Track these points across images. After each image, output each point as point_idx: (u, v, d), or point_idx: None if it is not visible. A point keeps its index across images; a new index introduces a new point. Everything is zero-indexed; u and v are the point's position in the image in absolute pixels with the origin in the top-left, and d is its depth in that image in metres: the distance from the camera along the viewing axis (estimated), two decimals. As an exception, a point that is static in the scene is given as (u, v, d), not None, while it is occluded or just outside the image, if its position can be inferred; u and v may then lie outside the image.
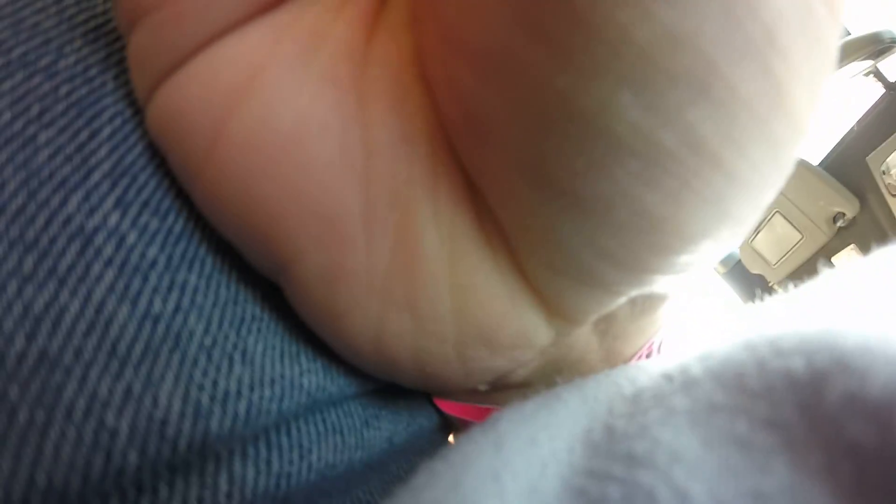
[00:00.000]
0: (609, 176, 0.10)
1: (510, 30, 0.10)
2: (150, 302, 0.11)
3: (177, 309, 0.12)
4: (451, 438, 0.20)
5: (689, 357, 0.11)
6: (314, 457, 0.13)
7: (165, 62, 0.12)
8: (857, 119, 0.88)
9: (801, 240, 0.92)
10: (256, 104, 0.11)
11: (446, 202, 0.12)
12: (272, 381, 0.13)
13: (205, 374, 0.12)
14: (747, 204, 0.11)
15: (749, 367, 0.10)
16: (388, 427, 0.16)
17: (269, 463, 0.12)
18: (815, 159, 0.91)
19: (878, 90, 0.87)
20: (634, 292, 0.13)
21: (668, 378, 0.11)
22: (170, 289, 0.12)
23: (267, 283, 0.14)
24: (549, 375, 0.15)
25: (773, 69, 0.09)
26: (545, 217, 0.11)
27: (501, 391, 0.16)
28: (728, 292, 1.07)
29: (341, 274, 0.12)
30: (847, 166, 0.88)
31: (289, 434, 0.13)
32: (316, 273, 0.12)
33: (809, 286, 0.13)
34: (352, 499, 0.14)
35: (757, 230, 0.97)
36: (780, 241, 0.95)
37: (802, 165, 0.87)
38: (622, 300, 0.13)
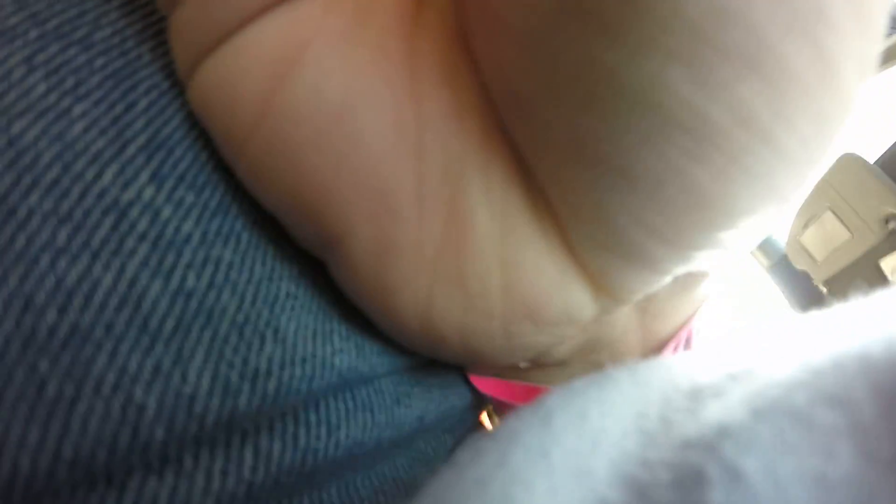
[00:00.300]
0: (659, 152, 0.10)
1: (556, 6, 0.09)
2: (184, 277, 0.12)
3: (210, 285, 0.12)
4: (483, 417, 0.20)
5: (754, 357, 0.11)
6: (342, 434, 0.13)
7: (211, 36, 0.12)
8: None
9: (849, 239, 0.91)
10: (306, 75, 0.11)
11: (498, 178, 0.12)
12: (303, 360, 0.13)
13: (235, 351, 0.12)
14: (794, 180, 0.11)
15: (818, 348, 0.10)
16: (420, 405, 0.16)
17: (295, 438, 0.12)
18: (872, 157, 0.89)
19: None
20: (680, 269, 0.13)
21: (733, 378, 0.11)
22: (204, 264, 0.12)
23: (303, 260, 0.14)
24: (588, 353, 0.16)
25: (822, 42, 0.09)
26: (594, 194, 0.11)
27: (541, 368, 0.16)
28: (771, 287, 1.05)
29: (393, 248, 0.12)
30: (904, 166, 0.86)
31: (317, 410, 0.13)
32: (367, 247, 0.12)
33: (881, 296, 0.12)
34: (377, 474, 0.15)
35: (806, 225, 0.95)
36: (828, 239, 0.93)
37: (858, 163, 0.85)
38: (667, 279, 0.13)
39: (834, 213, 0.91)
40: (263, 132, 0.12)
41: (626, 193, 0.11)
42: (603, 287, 0.13)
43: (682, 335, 0.17)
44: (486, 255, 0.12)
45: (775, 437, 0.08)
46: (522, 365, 0.16)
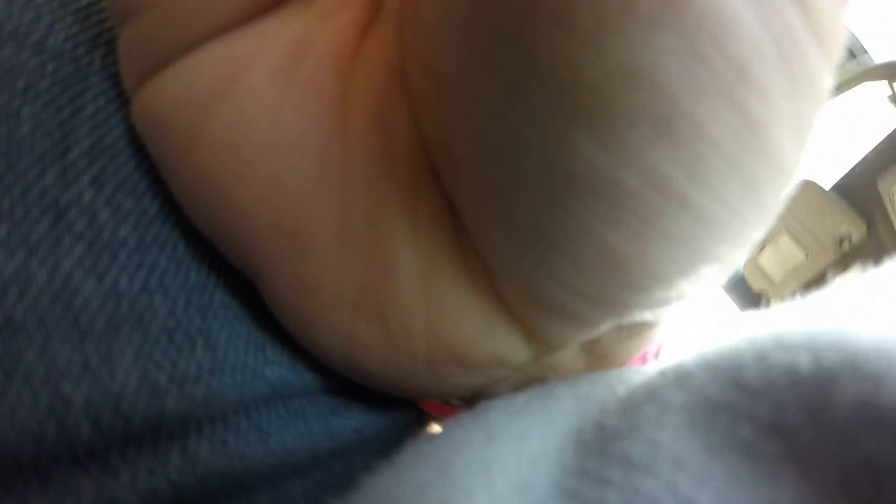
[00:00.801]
0: (570, 213, 0.10)
1: (463, 56, 0.09)
2: (117, 279, 0.12)
3: (143, 288, 0.12)
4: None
5: (685, 354, 0.11)
6: (273, 440, 0.13)
7: (153, 60, 0.12)
8: (874, 145, 0.87)
9: (805, 260, 0.92)
10: (234, 109, 0.11)
11: (424, 221, 0.12)
12: (234, 368, 0.13)
13: (165, 354, 0.12)
14: (726, 244, 0.10)
15: (748, 359, 0.10)
16: (358, 416, 0.16)
17: (224, 442, 0.12)
18: (827, 181, 0.91)
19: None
20: (613, 322, 0.12)
21: (662, 373, 0.11)
22: (138, 268, 0.12)
23: (238, 273, 0.13)
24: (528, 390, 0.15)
25: (746, 107, 0.09)
26: (514, 249, 0.11)
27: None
28: (729, 307, 1.07)
29: (312, 285, 0.12)
30: (857, 189, 0.88)
31: (247, 416, 0.13)
32: (285, 282, 0.12)
33: (818, 294, 0.12)
34: (311, 480, 0.14)
35: (762, 247, 0.97)
36: (784, 260, 0.95)
37: (813, 187, 0.87)
38: (602, 328, 0.12)
39: (790, 234, 0.93)
40: (192, 162, 0.12)
41: (543, 252, 0.10)
42: (534, 334, 0.12)
43: (636, 362, 0.17)
44: (409, 297, 0.12)
45: (728, 473, 0.08)
46: (455, 402, 0.15)
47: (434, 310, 0.12)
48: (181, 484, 0.12)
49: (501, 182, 0.10)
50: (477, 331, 0.12)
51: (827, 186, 0.90)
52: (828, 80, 0.09)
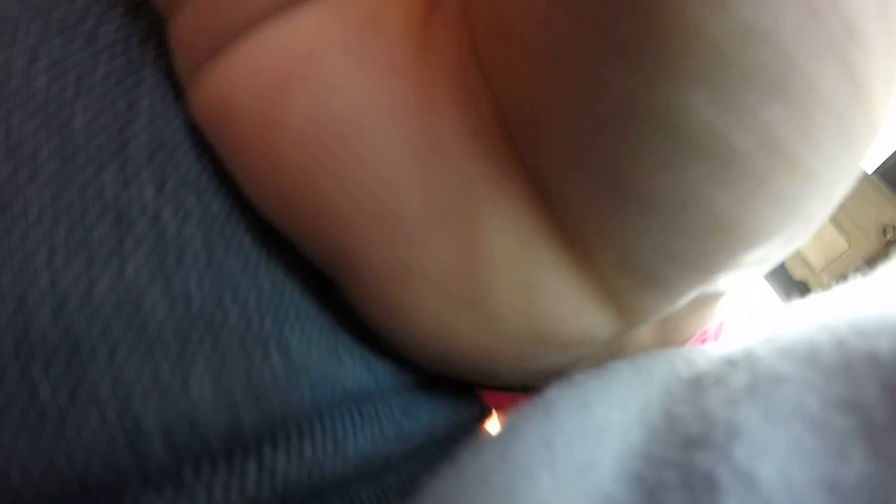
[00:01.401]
0: (680, 177, 0.10)
1: (572, 25, 0.09)
2: (185, 282, 0.11)
3: (212, 291, 0.11)
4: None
5: (753, 340, 0.11)
6: (349, 447, 0.12)
7: (210, 46, 0.11)
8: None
9: (847, 249, 0.91)
10: (312, 91, 0.11)
11: (513, 199, 0.11)
12: (308, 374, 0.12)
13: (237, 360, 0.11)
14: (819, 201, 0.10)
15: (825, 345, 0.09)
16: (429, 418, 0.15)
17: (300, 452, 0.12)
18: (870, 167, 0.89)
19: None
20: (701, 291, 0.12)
21: (731, 363, 0.11)
22: (205, 269, 0.11)
23: (310, 272, 0.13)
24: None
25: (852, 63, 0.09)
26: (612, 218, 0.11)
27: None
28: (769, 295, 1.05)
29: (402, 269, 0.12)
30: (903, 176, 0.86)
31: (323, 424, 0.12)
32: (378, 270, 0.12)
33: (880, 274, 0.12)
34: (381, 484, 0.14)
35: (804, 235, 0.95)
36: (826, 248, 0.93)
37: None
38: (688, 299, 0.12)
39: (832, 221, 0.92)
40: (265, 148, 0.11)
41: (645, 219, 0.10)
42: (622, 308, 0.12)
43: (697, 339, 0.17)
44: (502, 278, 0.12)
45: (790, 443, 0.08)
46: (538, 386, 0.15)
47: (525, 290, 0.12)
48: (259, 499, 0.11)
49: (606, 151, 0.10)
50: (568, 309, 0.12)
51: (869, 171, 0.88)
52: None
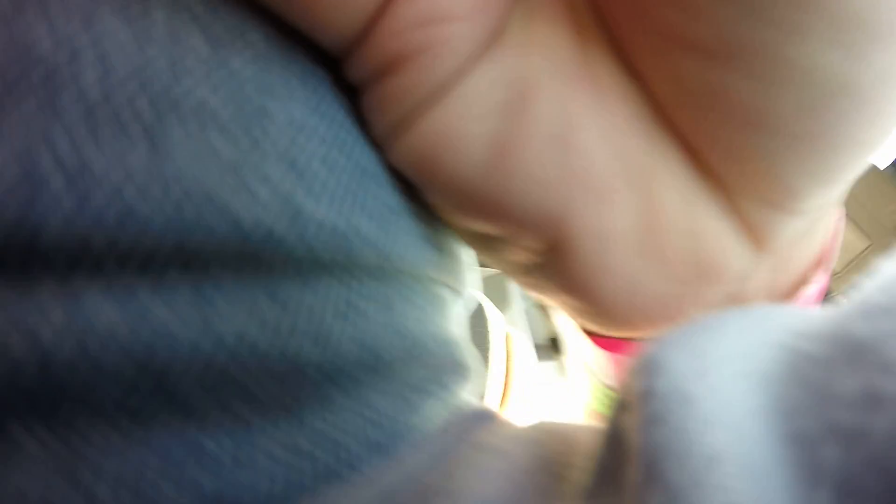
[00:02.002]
0: (825, 115, 0.12)
1: (739, 21, 0.12)
2: None
3: None
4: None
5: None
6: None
7: (428, 95, 0.14)
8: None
9: (869, 246, 0.87)
10: (531, 109, 0.14)
11: (676, 163, 0.15)
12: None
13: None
14: None
15: None
16: (373, 332, 0.16)
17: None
18: (885, 162, 0.86)
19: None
20: (820, 207, 0.15)
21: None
22: None
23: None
24: None
25: None
26: (769, 159, 0.13)
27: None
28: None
29: (611, 233, 0.15)
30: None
31: None
32: (593, 236, 0.15)
33: None
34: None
35: (821, 236, 0.92)
36: (846, 248, 0.89)
37: (871, 169, 0.81)
38: (809, 221, 0.15)
39: (852, 219, 0.88)
40: (503, 164, 0.14)
41: (800, 152, 0.13)
42: (762, 240, 0.15)
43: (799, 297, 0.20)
44: (678, 228, 0.15)
45: None
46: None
47: (697, 234, 0.15)
48: None
49: (767, 106, 0.13)
50: (727, 245, 0.15)
51: (882, 166, 0.85)
52: None
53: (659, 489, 0.09)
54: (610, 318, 0.16)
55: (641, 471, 0.09)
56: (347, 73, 0.14)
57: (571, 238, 0.15)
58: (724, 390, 0.10)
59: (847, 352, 0.10)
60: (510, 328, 0.50)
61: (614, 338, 0.21)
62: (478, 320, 0.46)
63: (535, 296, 0.19)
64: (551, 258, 0.16)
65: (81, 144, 0.10)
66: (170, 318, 0.11)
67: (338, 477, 0.14)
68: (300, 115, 0.13)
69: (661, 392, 0.10)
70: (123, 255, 0.11)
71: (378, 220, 0.14)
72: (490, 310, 0.47)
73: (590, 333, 0.21)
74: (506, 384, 0.46)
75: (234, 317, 0.12)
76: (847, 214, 0.89)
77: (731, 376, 0.11)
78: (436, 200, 0.16)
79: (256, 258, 0.12)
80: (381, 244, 0.14)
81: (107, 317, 0.10)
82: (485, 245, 0.17)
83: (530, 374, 0.49)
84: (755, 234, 0.15)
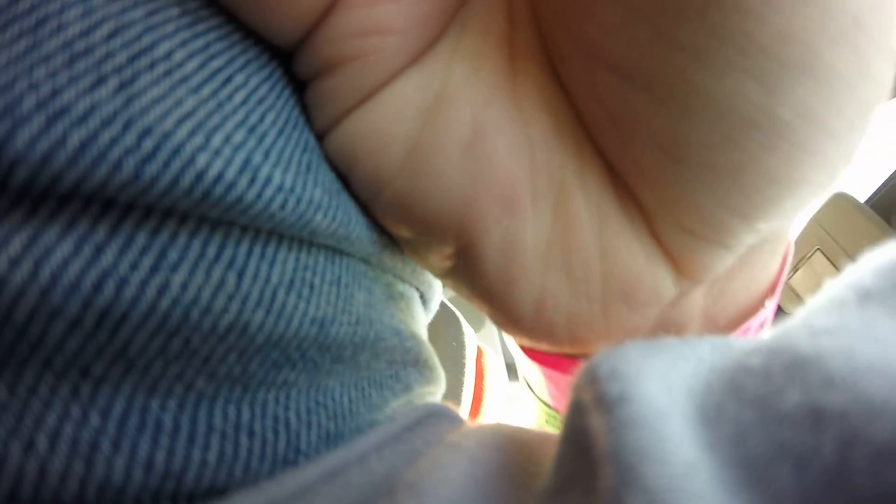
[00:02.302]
0: (740, 146, 0.12)
1: (654, 44, 0.12)
2: None
3: None
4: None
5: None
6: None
7: (357, 97, 0.14)
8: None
9: (841, 280, 0.88)
10: (446, 113, 0.14)
11: (592, 181, 0.15)
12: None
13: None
14: (842, 155, 0.13)
15: None
16: (322, 308, 0.16)
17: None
18: (863, 196, 0.87)
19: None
20: (748, 242, 0.15)
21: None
22: None
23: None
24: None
25: (860, 47, 0.12)
26: (686, 186, 0.13)
27: None
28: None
29: (516, 243, 0.15)
30: (894, 205, 0.84)
31: None
32: (497, 245, 0.15)
33: None
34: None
35: (795, 267, 0.93)
36: (818, 281, 0.91)
37: (848, 202, 0.83)
38: (735, 255, 0.15)
39: (823, 253, 0.89)
40: (412, 164, 0.15)
41: (713, 183, 0.13)
42: (683, 268, 0.15)
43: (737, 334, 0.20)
44: (588, 245, 0.15)
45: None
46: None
47: (608, 253, 0.15)
48: None
49: (681, 135, 0.13)
50: (641, 268, 0.15)
51: (862, 199, 0.86)
52: None
53: (638, 493, 0.09)
54: (522, 329, 0.17)
55: (617, 474, 0.09)
56: (294, 68, 0.15)
57: (477, 245, 0.15)
58: (679, 406, 0.10)
59: (787, 366, 0.10)
60: (483, 345, 0.50)
61: (548, 354, 0.21)
62: (454, 333, 0.47)
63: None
64: (462, 264, 0.16)
65: (63, 88, 0.10)
66: (121, 260, 0.11)
67: (286, 462, 0.14)
68: (260, 88, 0.14)
69: (635, 398, 0.10)
70: (88, 196, 0.11)
71: (330, 194, 0.15)
72: (465, 325, 0.47)
73: (525, 349, 0.22)
74: (477, 399, 0.46)
75: (185, 271, 0.12)
76: (820, 250, 0.90)
77: (683, 392, 0.11)
78: (358, 195, 0.16)
79: (214, 218, 0.12)
80: (333, 214, 0.14)
81: (62, 251, 0.11)
82: (406, 245, 0.18)
83: (501, 391, 0.49)
84: (676, 261, 0.15)
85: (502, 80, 0.15)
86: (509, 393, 0.51)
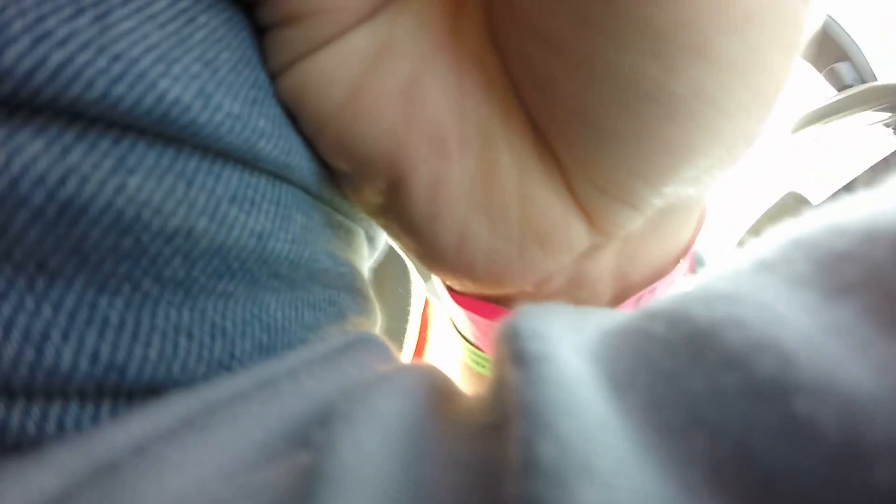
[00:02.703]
0: (640, 116, 0.14)
1: (571, 19, 0.14)
2: None
3: None
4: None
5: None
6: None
7: (309, 46, 0.16)
8: (868, 167, 0.86)
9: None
10: (388, 62, 0.16)
11: (515, 133, 0.16)
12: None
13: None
14: (736, 134, 0.15)
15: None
16: (264, 225, 0.17)
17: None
18: (817, 201, 0.90)
19: (894, 143, 0.85)
20: (655, 204, 0.17)
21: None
22: None
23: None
24: (573, 290, 0.20)
25: (751, 39, 0.13)
26: (594, 148, 0.15)
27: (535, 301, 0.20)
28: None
29: (442, 181, 0.17)
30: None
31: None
32: (424, 182, 0.17)
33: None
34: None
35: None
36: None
37: (801, 202, 0.85)
38: (644, 215, 0.17)
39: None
40: (353, 105, 0.16)
41: (618, 146, 0.15)
42: (595, 222, 0.17)
43: (644, 292, 0.21)
44: (508, 190, 0.17)
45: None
46: (528, 289, 0.20)
47: (526, 200, 0.17)
48: None
49: (592, 102, 0.14)
50: (556, 217, 0.17)
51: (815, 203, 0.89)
52: (807, 21, 0.14)
53: (550, 440, 0.09)
54: (445, 265, 0.19)
55: (529, 425, 0.09)
56: (254, 16, 0.16)
57: (405, 180, 0.17)
58: (586, 370, 0.11)
59: (688, 340, 0.10)
60: (430, 296, 0.51)
61: (472, 298, 0.22)
62: (401, 281, 0.48)
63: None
64: (392, 199, 0.18)
65: (46, 16, 0.12)
66: (85, 160, 0.12)
67: (222, 366, 0.15)
68: (220, 28, 0.15)
69: (553, 358, 0.10)
70: (60, 109, 0.12)
71: (274, 124, 0.16)
72: (414, 275, 0.49)
73: (451, 291, 0.23)
74: (420, 348, 0.48)
75: (141, 175, 0.13)
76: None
77: (589, 357, 0.11)
78: (304, 132, 0.18)
79: (169, 136, 0.14)
80: (276, 143, 0.16)
81: (33, 148, 0.12)
82: (344, 180, 0.19)
83: (443, 341, 0.50)
84: (589, 215, 0.17)
85: (444, 36, 0.16)
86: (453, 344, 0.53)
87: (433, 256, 0.19)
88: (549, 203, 0.17)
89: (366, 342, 0.18)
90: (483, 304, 0.22)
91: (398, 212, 0.18)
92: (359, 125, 0.17)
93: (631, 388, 0.10)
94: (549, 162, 0.17)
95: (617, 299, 0.21)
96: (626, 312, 0.14)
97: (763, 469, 0.08)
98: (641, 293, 0.21)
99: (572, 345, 0.11)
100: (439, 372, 0.17)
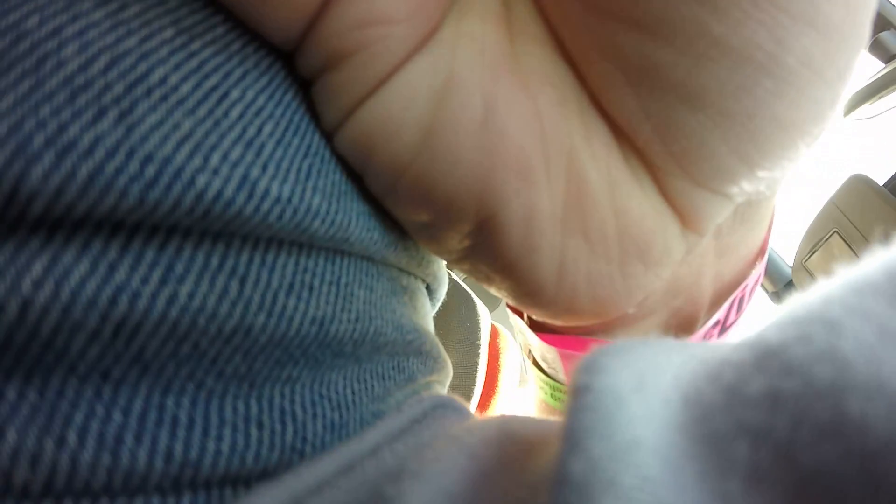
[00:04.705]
0: (752, 93, 0.14)
1: (678, 8, 0.13)
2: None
3: None
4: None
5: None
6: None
7: (366, 88, 0.15)
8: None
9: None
10: (456, 96, 0.15)
11: (598, 145, 0.16)
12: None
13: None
14: (830, 102, 0.14)
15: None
16: (322, 308, 0.16)
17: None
18: (881, 179, 0.86)
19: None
20: (747, 191, 0.16)
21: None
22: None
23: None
24: (670, 299, 0.19)
25: (851, 1, 0.13)
26: (699, 136, 0.14)
27: (632, 322, 0.20)
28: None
29: (535, 211, 0.16)
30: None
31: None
32: (516, 215, 0.16)
33: None
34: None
35: (812, 250, 0.92)
36: (835, 263, 0.90)
37: (866, 184, 0.82)
38: (734, 204, 0.16)
39: (841, 236, 0.88)
40: (428, 147, 0.15)
41: (728, 128, 0.14)
42: (688, 220, 0.16)
43: (737, 293, 0.21)
44: (601, 205, 0.16)
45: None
46: (630, 311, 0.19)
47: (621, 212, 0.16)
48: None
49: (699, 84, 0.14)
50: (653, 225, 0.16)
51: (880, 182, 0.85)
52: None
53: (581, 459, 0.09)
54: (543, 299, 0.17)
55: (565, 446, 0.10)
56: (298, 67, 0.15)
57: (497, 216, 0.16)
58: (650, 395, 0.11)
59: (757, 355, 0.10)
60: (498, 324, 0.50)
61: (558, 331, 0.21)
62: (468, 314, 0.47)
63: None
64: (481, 240, 0.17)
65: (68, 124, 0.11)
66: (133, 275, 0.12)
67: (295, 451, 0.14)
68: (258, 99, 0.14)
69: (596, 388, 0.11)
70: (99, 221, 0.12)
71: (329, 198, 0.15)
72: (480, 306, 0.48)
73: (535, 326, 0.22)
74: (492, 379, 0.47)
75: (191, 282, 0.13)
76: (837, 232, 0.89)
77: (660, 384, 0.12)
78: (374, 187, 0.16)
79: (216, 231, 0.13)
80: (332, 220, 0.15)
81: (79, 271, 0.11)
82: (422, 232, 0.18)
83: (517, 371, 0.49)
84: (683, 215, 0.16)
85: (505, 58, 0.15)
86: (525, 373, 0.52)
87: (530, 293, 0.17)
88: (643, 211, 0.16)
89: (441, 406, 0.18)
90: (575, 339, 0.21)
91: (489, 252, 0.17)
92: (438, 167, 0.15)
93: (694, 403, 0.11)
94: (636, 168, 0.16)
95: (714, 303, 0.21)
96: (719, 344, 0.14)
97: (803, 470, 0.09)
98: (735, 295, 0.21)
99: (639, 367, 0.12)
100: (516, 425, 0.16)
